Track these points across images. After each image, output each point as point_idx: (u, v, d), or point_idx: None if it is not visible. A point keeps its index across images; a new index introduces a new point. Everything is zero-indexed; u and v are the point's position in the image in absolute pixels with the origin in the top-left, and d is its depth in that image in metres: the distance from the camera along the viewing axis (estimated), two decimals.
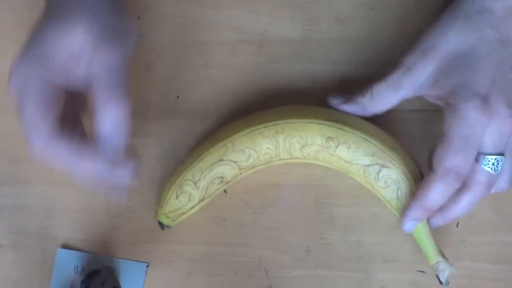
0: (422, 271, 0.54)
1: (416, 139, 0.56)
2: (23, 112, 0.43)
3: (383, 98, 0.50)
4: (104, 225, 0.55)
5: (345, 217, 0.55)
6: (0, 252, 0.55)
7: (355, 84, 0.53)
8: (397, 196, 0.51)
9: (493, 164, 0.47)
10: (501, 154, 0.47)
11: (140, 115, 0.56)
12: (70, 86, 0.45)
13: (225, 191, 0.55)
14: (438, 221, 0.50)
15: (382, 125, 0.56)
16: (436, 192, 0.47)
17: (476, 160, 0.47)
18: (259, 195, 0.55)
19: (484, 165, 0.47)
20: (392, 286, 0.54)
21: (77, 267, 0.54)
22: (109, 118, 0.43)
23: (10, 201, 0.56)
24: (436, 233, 0.53)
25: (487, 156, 0.46)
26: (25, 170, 0.56)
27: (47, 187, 0.56)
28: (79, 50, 0.43)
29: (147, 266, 0.55)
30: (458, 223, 0.55)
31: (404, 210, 0.50)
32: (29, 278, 0.55)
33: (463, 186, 0.48)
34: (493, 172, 0.47)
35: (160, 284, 0.55)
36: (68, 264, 0.54)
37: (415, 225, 0.50)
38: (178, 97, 0.57)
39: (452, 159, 0.46)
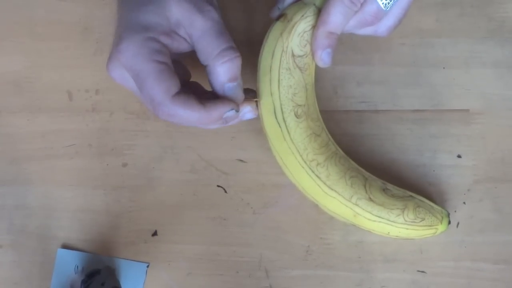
0: (422, 271, 0.54)
1: (416, 139, 0.56)
2: (143, 90, 0.45)
3: None
4: (104, 225, 0.55)
5: None
6: (0, 252, 0.55)
7: None
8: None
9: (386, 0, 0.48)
10: None
11: (140, 115, 0.56)
12: (175, 54, 0.47)
13: (225, 191, 0.55)
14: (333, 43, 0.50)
15: (382, 124, 0.56)
16: (337, 15, 0.47)
17: None
18: (259, 195, 0.55)
19: None
20: (392, 286, 0.54)
21: (77, 267, 0.54)
22: (226, 70, 0.46)
23: (10, 201, 0.56)
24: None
25: None
26: (25, 170, 0.56)
27: (47, 187, 0.56)
28: (176, 20, 0.46)
29: (147, 266, 0.55)
30: (458, 223, 0.55)
31: (311, 45, 0.49)
32: (29, 278, 0.54)
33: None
34: (383, 8, 0.48)
35: (160, 284, 0.55)
36: (69, 264, 0.54)
37: (329, 56, 0.49)
38: None
39: None
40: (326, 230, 0.55)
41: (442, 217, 0.52)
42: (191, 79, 0.51)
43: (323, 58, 0.49)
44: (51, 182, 0.56)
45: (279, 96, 0.49)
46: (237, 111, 0.47)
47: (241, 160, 0.56)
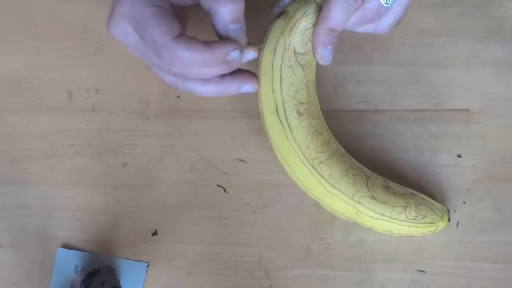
0: (422, 271, 0.54)
1: (416, 139, 0.56)
2: (145, 35, 0.44)
3: None
4: (104, 224, 0.55)
5: None
6: (0, 252, 0.55)
7: None
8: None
9: None
10: None
11: (140, 115, 0.57)
12: (174, 7, 0.47)
13: (225, 190, 0.55)
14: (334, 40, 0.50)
15: (383, 124, 0.56)
16: (338, 11, 0.47)
17: None
18: (259, 194, 0.55)
19: None
20: (392, 286, 0.54)
21: (77, 266, 0.54)
22: (229, 11, 0.45)
23: (10, 201, 0.56)
24: (436, 233, 0.53)
25: None
26: (25, 170, 0.56)
27: (47, 187, 0.56)
28: None
29: (147, 266, 0.55)
30: (458, 223, 0.55)
31: (312, 43, 0.49)
32: (29, 277, 0.54)
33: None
34: (384, 4, 0.48)
35: (160, 284, 0.55)
36: (68, 263, 0.54)
37: (331, 53, 0.49)
38: (178, 97, 0.57)
39: None
40: (326, 230, 0.55)
41: (443, 214, 0.52)
42: None
43: (324, 55, 0.49)
44: (51, 182, 0.56)
45: (281, 94, 0.49)
46: (241, 52, 0.46)
47: (241, 160, 0.56)
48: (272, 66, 0.49)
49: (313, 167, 0.50)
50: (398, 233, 0.52)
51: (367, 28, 0.51)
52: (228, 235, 0.55)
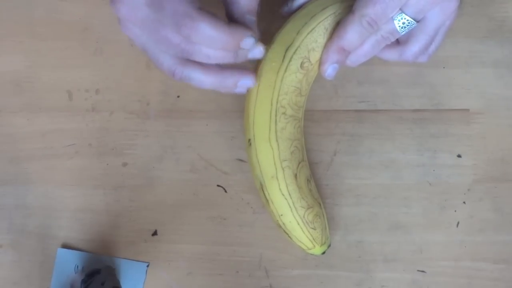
0: (422, 271, 0.54)
1: (416, 139, 0.56)
2: (165, 5, 0.43)
3: None
4: (104, 225, 0.55)
5: (345, 217, 0.55)
6: (0, 252, 0.55)
7: None
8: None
9: (403, 23, 0.48)
10: (416, 21, 0.48)
11: (140, 115, 0.57)
12: None
13: (225, 190, 0.55)
14: (342, 60, 0.50)
15: (382, 124, 0.56)
16: (353, 33, 0.48)
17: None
18: (259, 194, 0.55)
19: (396, 19, 0.47)
20: (392, 285, 0.54)
21: (77, 266, 0.54)
22: (248, 0, 0.46)
23: (10, 201, 0.56)
24: (436, 233, 0.53)
25: (403, 14, 0.47)
26: (25, 170, 0.56)
27: (47, 187, 0.56)
28: None
29: (147, 266, 0.55)
30: (458, 223, 0.55)
31: (321, 56, 0.50)
32: (29, 277, 0.54)
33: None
34: (398, 30, 0.48)
35: (160, 284, 0.55)
36: (69, 263, 0.54)
37: (335, 70, 0.50)
38: (178, 97, 0.57)
39: (372, 7, 0.47)
40: None
41: (325, 242, 0.52)
42: None
43: (328, 72, 0.50)
44: (51, 182, 0.56)
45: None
46: (256, 40, 0.46)
47: (241, 160, 0.56)
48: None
49: (276, 111, 0.50)
50: (283, 223, 0.51)
51: (391, 55, 0.51)
52: (228, 235, 0.55)
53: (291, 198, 0.50)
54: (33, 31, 0.58)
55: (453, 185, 0.55)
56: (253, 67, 0.51)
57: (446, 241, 0.55)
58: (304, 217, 0.51)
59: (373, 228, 0.55)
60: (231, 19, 0.47)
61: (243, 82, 0.48)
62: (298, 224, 0.51)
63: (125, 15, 0.45)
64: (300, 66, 0.50)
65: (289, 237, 0.52)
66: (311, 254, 0.53)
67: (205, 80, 0.47)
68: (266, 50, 0.49)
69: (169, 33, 0.44)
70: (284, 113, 0.50)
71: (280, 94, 0.50)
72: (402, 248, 0.55)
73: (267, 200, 0.51)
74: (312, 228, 0.51)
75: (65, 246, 0.55)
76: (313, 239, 0.51)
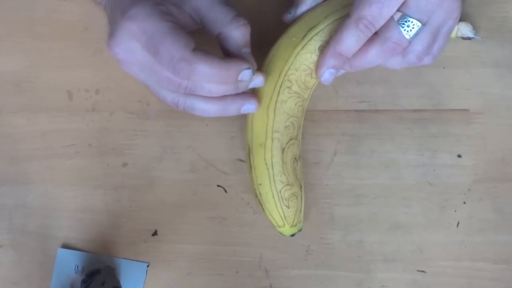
0: (422, 271, 0.54)
1: (416, 139, 0.56)
2: (160, 49, 0.44)
3: None
4: (104, 225, 0.55)
5: (345, 217, 0.55)
6: (0, 252, 0.55)
7: None
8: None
9: (408, 26, 0.47)
10: (422, 23, 0.47)
11: (140, 115, 0.57)
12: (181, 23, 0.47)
13: (225, 190, 0.55)
14: (345, 66, 0.50)
15: (382, 124, 0.56)
16: (349, 37, 0.48)
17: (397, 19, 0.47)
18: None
19: (400, 23, 0.47)
20: (392, 286, 0.54)
21: (77, 266, 0.54)
22: (241, 35, 0.47)
23: (10, 201, 0.56)
24: (436, 233, 0.53)
25: (406, 17, 0.47)
26: (25, 170, 0.56)
27: (47, 187, 0.56)
28: None
29: (147, 266, 0.55)
30: (458, 223, 0.55)
31: (318, 60, 0.50)
32: (29, 278, 0.54)
33: (376, 38, 0.48)
34: (405, 35, 0.47)
35: (160, 284, 0.55)
36: (69, 263, 0.54)
37: (332, 75, 0.50)
38: None
39: (367, 8, 0.46)
40: (326, 230, 0.55)
41: (296, 224, 0.52)
42: None
43: (325, 77, 0.50)
44: (51, 182, 0.56)
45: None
46: (253, 72, 0.47)
47: (241, 160, 0.56)
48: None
49: (281, 86, 0.51)
50: (260, 192, 0.51)
51: (395, 61, 0.50)
52: (228, 235, 0.55)
53: (272, 169, 0.51)
54: (33, 31, 0.57)
55: (453, 185, 0.55)
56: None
57: (446, 241, 0.55)
58: (280, 192, 0.51)
59: (373, 228, 0.55)
60: (227, 53, 0.48)
61: (246, 108, 0.49)
62: (273, 197, 0.51)
63: (123, 58, 0.47)
64: (318, 48, 0.50)
65: (263, 208, 0.52)
66: (280, 233, 0.53)
67: (208, 109, 0.48)
68: (290, 28, 0.50)
69: (169, 75, 0.45)
70: (289, 87, 0.51)
71: (290, 68, 0.50)
72: (402, 248, 0.55)
73: (250, 166, 0.52)
74: (286, 206, 0.51)
75: (65, 246, 0.55)
76: (285, 217, 0.51)
